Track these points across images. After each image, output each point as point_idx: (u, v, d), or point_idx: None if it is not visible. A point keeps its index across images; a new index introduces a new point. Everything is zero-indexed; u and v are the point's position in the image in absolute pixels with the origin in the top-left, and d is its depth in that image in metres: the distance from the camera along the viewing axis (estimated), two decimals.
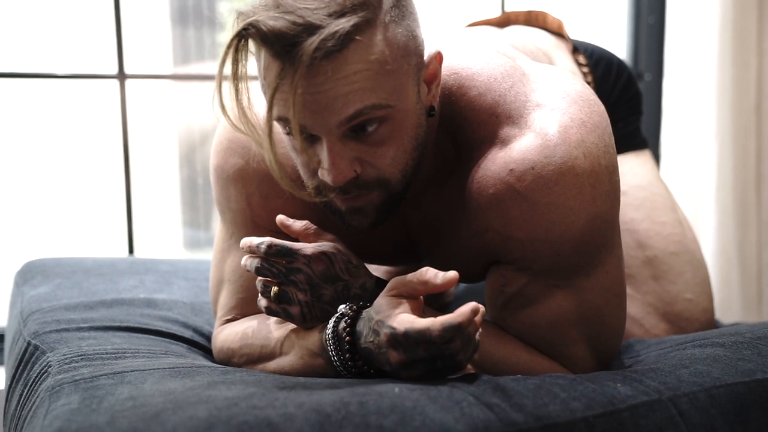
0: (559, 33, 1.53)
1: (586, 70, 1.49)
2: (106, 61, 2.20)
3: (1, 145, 2.72)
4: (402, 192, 0.98)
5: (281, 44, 0.83)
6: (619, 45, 2.39)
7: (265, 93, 0.91)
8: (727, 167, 2.10)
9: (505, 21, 1.55)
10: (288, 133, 0.93)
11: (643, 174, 1.47)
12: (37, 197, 2.85)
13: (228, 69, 0.88)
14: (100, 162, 2.80)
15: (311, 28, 0.83)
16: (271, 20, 0.83)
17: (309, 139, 0.92)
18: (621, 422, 0.87)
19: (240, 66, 0.88)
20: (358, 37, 0.85)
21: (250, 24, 0.84)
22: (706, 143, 2.12)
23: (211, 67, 3.15)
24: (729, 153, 2.10)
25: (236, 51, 0.86)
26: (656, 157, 2.26)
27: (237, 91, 0.89)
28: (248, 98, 0.90)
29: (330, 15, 0.83)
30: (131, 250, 2.19)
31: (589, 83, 1.46)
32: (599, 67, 1.50)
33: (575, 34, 1.54)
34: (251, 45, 0.88)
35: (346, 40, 0.84)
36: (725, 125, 2.09)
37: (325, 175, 0.91)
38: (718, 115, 2.09)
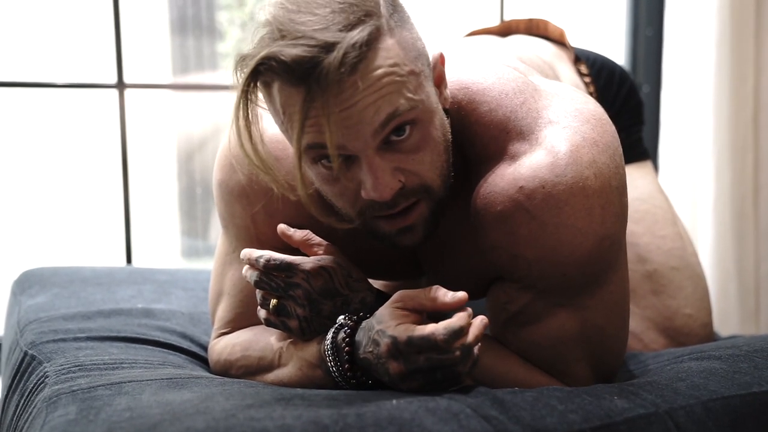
0: (560, 41, 1.51)
1: (588, 80, 1.47)
2: (105, 71, 2.20)
3: (1, 154, 2.72)
4: (444, 199, 0.97)
5: (303, 68, 0.82)
6: (617, 57, 2.40)
7: (286, 128, 0.89)
8: (724, 179, 2.10)
9: (505, 30, 1.54)
10: (317, 162, 0.90)
11: (644, 186, 1.46)
12: (36, 206, 2.85)
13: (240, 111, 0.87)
14: (98, 171, 2.80)
15: (327, 46, 0.82)
16: (286, 48, 0.83)
17: (344, 162, 0.90)
18: None
19: (250, 108, 0.87)
20: (373, 47, 0.85)
21: (266, 57, 0.83)
22: (704, 155, 2.12)
23: (210, 76, 3.16)
24: (727, 165, 2.10)
25: (246, 93, 0.86)
26: (654, 169, 2.26)
27: (250, 133, 0.88)
28: (261, 139, 0.89)
29: (340, 30, 0.83)
30: (129, 260, 2.19)
31: (591, 93, 1.45)
32: (601, 77, 1.49)
33: (576, 42, 1.53)
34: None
35: (363, 51, 0.83)
36: (723, 137, 2.10)
37: (370, 193, 0.89)
38: (716, 127, 2.10)
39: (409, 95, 0.87)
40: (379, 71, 0.85)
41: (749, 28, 2.08)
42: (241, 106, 0.86)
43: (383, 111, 0.86)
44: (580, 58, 1.49)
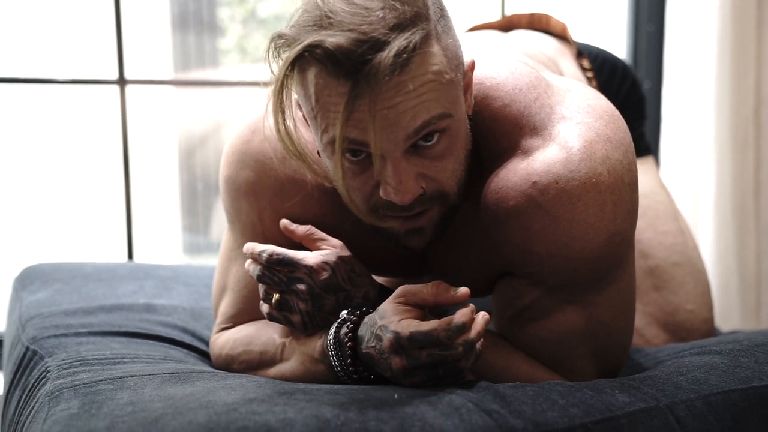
0: (562, 36, 1.51)
1: (590, 75, 1.46)
2: (106, 67, 2.20)
3: (1, 150, 2.72)
4: (456, 205, 0.96)
5: (351, 63, 0.81)
6: (618, 53, 2.40)
7: (315, 116, 0.87)
8: (725, 175, 2.10)
9: (507, 24, 1.53)
10: (346, 153, 0.89)
11: (646, 181, 1.46)
12: (37, 202, 2.85)
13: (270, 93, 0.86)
14: (99, 167, 2.80)
15: (377, 44, 0.81)
16: (334, 38, 0.81)
17: (367, 159, 0.89)
18: (619, 429, 0.87)
19: (285, 92, 0.86)
20: (423, 50, 0.84)
21: (313, 45, 0.82)
22: (705, 151, 2.12)
23: (211, 72, 3.16)
24: (728, 160, 2.10)
25: (286, 78, 0.84)
26: (656, 165, 2.26)
27: (284, 117, 0.87)
28: (294, 124, 0.88)
29: (391, 29, 0.82)
30: (131, 256, 2.19)
31: (593, 88, 1.45)
32: (603, 71, 1.49)
33: (577, 38, 1.53)
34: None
35: (413, 54, 0.82)
36: (724, 133, 2.09)
37: (390, 194, 0.88)
38: (717, 122, 2.09)
39: (446, 104, 0.87)
40: (424, 77, 0.84)
41: (750, 23, 2.08)
42: (279, 90, 0.85)
43: (420, 117, 0.85)
44: (582, 52, 1.49)
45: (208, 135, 3.12)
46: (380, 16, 0.82)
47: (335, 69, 0.82)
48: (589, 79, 1.46)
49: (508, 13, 1.93)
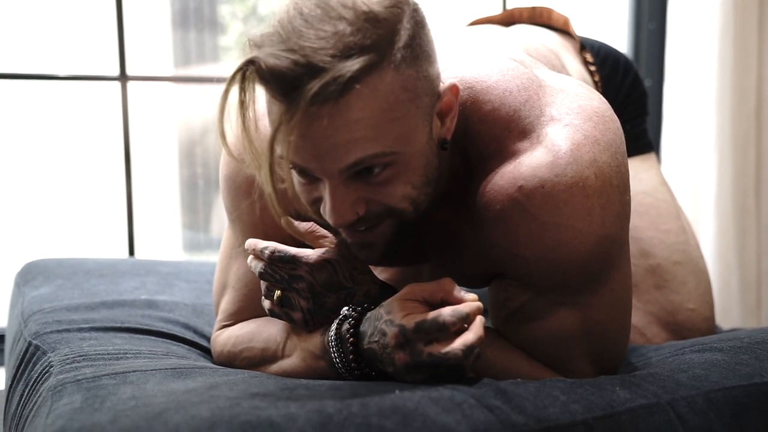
0: (564, 30, 1.50)
1: (593, 68, 1.46)
2: (107, 63, 2.20)
3: (3, 146, 2.72)
4: (414, 221, 0.95)
5: (280, 86, 0.80)
6: (619, 50, 2.40)
7: (271, 127, 0.87)
8: (726, 173, 2.11)
9: (508, 18, 1.52)
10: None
11: (648, 179, 1.46)
12: (38, 198, 2.85)
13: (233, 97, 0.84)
14: (100, 163, 2.81)
15: (313, 70, 0.79)
16: (273, 58, 0.80)
17: (312, 177, 0.89)
18: (620, 425, 0.87)
19: (247, 94, 0.84)
20: (362, 82, 0.80)
21: (251, 61, 0.81)
22: (706, 149, 2.13)
23: (212, 69, 3.16)
24: (729, 159, 2.10)
25: (243, 80, 0.83)
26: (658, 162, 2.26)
27: (244, 119, 0.85)
28: (255, 126, 0.86)
29: (334, 56, 0.79)
30: (132, 253, 2.19)
31: (596, 82, 1.44)
32: (606, 66, 1.48)
33: (580, 31, 1.52)
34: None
35: (348, 85, 0.80)
36: (725, 131, 2.10)
37: (327, 214, 0.89)
38: (718, 120, 2.10)
39: (387, 142, 0.85)
40: (358, 112, 0.82)
41: (752, 21, 2.08)
42: (231, 90, 0.84)
43: (353, 154, 0.84)
44: (584, 46, 1.48)
45: (209, 132, 3.12)
46: (330, 41, 0.80)
47: (270, 89, 0.82)
48: (591, 73, 1.45)
49: (510, 6, 1.92)
